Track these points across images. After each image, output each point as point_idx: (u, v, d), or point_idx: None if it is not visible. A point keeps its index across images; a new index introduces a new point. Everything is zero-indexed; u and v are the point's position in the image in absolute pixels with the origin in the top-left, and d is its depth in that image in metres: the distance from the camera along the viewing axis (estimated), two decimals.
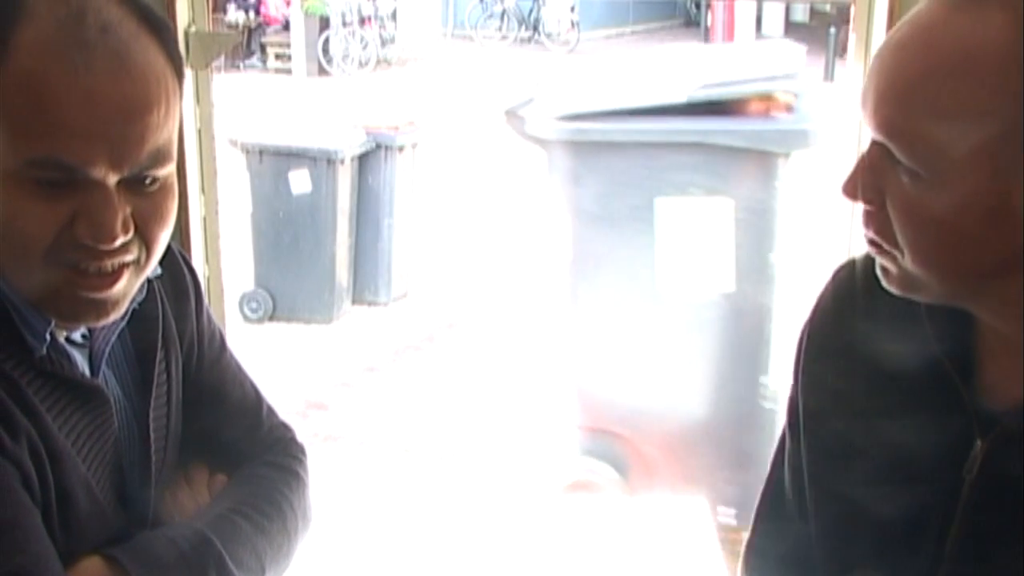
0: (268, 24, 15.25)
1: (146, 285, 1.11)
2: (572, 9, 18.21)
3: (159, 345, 1.17)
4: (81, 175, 0.95)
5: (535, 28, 18.32)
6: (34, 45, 0.94)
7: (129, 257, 1.01)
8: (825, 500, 1.09)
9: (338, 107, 10.92)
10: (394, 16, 16.12)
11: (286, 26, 14.87)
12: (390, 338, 5.72)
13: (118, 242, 0.98)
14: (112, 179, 0.96)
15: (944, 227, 0.90)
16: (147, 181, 0.99)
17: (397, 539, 2.12)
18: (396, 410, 4.89)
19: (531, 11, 18.39)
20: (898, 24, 0.92)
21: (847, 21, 1.93)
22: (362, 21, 15.06)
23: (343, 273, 5.88)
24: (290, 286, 5.79)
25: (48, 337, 1.03)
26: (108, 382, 1.11)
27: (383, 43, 15.43)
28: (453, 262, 6.88)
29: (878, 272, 0.99)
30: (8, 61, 0.94)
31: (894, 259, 0.95)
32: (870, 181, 0.94)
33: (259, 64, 14.82)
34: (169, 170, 1.01)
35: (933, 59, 0.88)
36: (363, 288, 6.04)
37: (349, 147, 5.67)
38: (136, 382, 1.15)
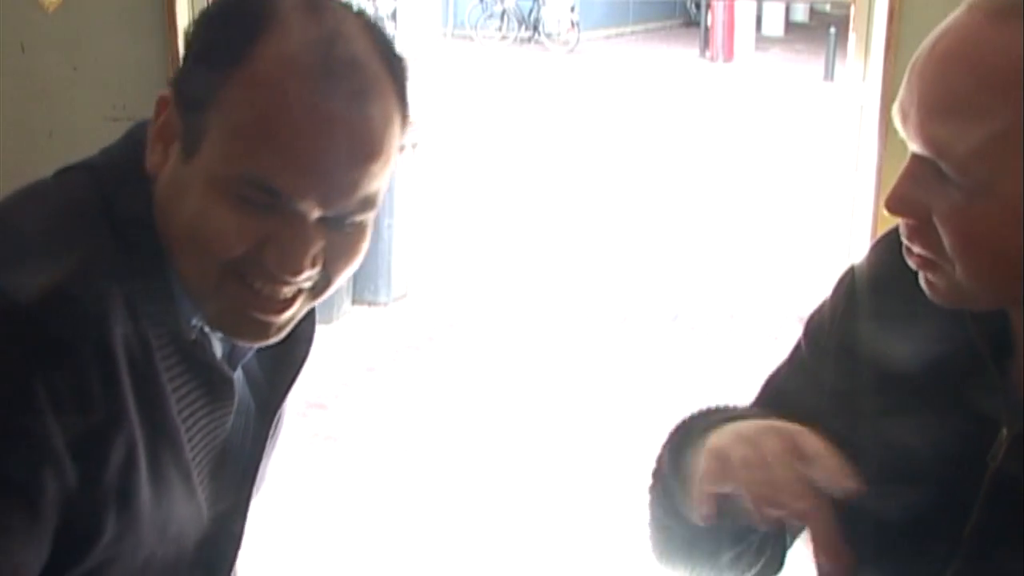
0: None
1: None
2: (572, 9, 18.20)
3: (298, 370, 1.16)
4: (288, 205, 0.92)
5: (535, 28, 18.32)
6: (279, 58, 0.91)
7: (307, 285, 0.99)
8: None
9: None
10: (394, 16, 16.07)
11: None
12: (390, 338, 5.72)
13: (303, 276, 0.96)
14: (315, 214, 0.94)
15: (998, 241, 0.89)
16: (346, 222, 0.97)
17: (397, 538, 2.13)
18: (396, 410, 4.88)
19: (531, 11, 18.39)
20: (935, 36, 0.91)
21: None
22: None
23: None
24: None
25: (197, 323, 1.01)
26: (237, 384, 1.09)
27: None
28: (453, 262, 6.88)
29: (923, 284, 0.97)
30: (248, 66, 0.91)
31: (943, 273, 0.94)
32: (915, 196, 0.92)
33: None
34: (372, 215, 0.99)
35: (980, 73, 0.87)
36: (363, 288, 6.03)
37: None
38: (261, 401, 1.13)
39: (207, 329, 1.04)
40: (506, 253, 7.13)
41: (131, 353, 0.94)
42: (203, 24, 0.98)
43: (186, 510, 1.05)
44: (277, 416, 1.16)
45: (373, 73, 0.94)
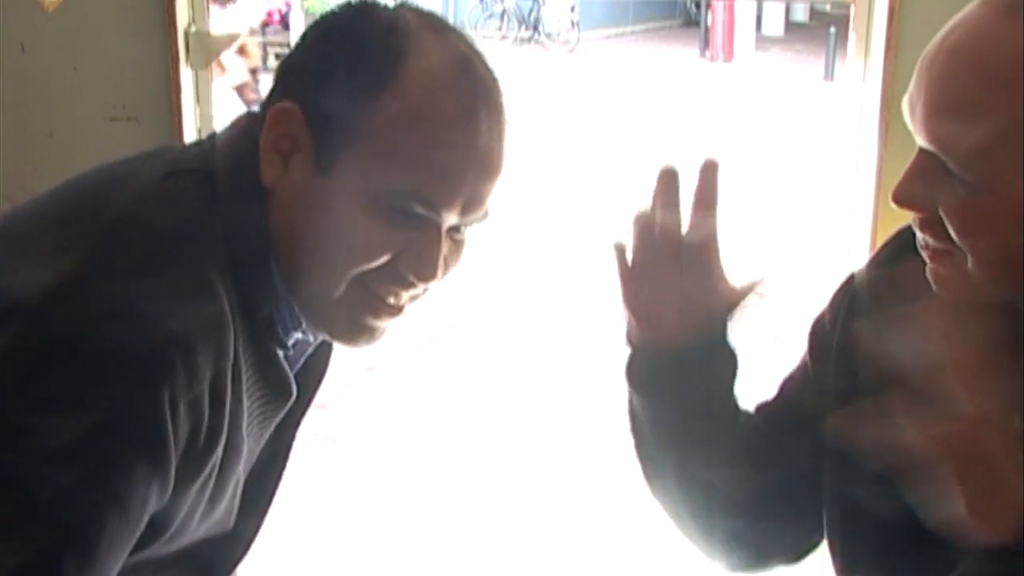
0: (268, 24, 15.24)
1: None
2: (572, 9, 18.20)
3: (320, 380, 1.19)
4: (434, 216, 0.97)
5: (535, 28, 18.31)
6: (428, 78, 0.95)
7: (421, 291, 1.04)
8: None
9: None
10: None
11: (286, 26, 14.86)
12: (390, 338, 5.72)
13: (435, 281, 1.01)
14: (449, 223, 0.99)
15: (1001, 237, 0.90)
16: (463, 230, 1.02)
17: (397, 538, 2.13)
18: (396, 410, 4.88)
19: (531, 11, 18.38)
20: (946, 29, 0.91)
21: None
22: None
23: None
24: None
25: (295, 335, 1.04)
26: None
27: None
28: None
29: (930, 278, 0.97)
30: (398, 86, 0.94)
31: (954, 263, 0.94)
32: (920, 190, 0.93)
33: (259, 64, 14.80)
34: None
35: (985, 70, 0.86)
36: None
37: None
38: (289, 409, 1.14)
39: (293, 337, 1.05)
40: (506, 253, 7.13)
41: (233, 376, 0.96)
42: (330, 41, 0.99)
43: (222, 513, 1.06)
44: (300, 424, 1.17)
45: (499, 91, 1.00)
